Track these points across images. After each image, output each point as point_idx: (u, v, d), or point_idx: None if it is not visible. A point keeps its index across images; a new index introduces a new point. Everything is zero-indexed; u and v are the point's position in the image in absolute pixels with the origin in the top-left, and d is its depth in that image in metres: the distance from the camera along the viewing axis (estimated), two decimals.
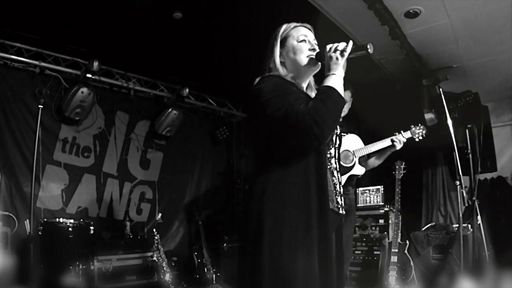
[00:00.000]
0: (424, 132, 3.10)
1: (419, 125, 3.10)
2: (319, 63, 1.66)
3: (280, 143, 1.55)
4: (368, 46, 1.55)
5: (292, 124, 1.46)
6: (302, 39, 1.68)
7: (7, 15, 3.82)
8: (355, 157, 3.07)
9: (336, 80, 1.54)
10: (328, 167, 1.69)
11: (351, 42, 1.57)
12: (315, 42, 1.72)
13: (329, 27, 3.58)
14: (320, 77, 1.67)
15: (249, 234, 1.52)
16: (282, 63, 1.68)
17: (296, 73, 1.68)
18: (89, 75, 4.47)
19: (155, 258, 4.48)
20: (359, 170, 3.12)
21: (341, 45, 1.57)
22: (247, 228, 1.54)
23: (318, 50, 1.66)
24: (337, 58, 1.56)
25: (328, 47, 1.59)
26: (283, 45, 1.69)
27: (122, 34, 4.26)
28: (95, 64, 4.36)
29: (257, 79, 1.64)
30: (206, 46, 4.48)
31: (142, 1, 3.66)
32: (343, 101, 1.53)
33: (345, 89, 1.61)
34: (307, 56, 1.66)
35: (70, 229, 3.98)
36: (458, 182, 3.47)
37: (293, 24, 1.72)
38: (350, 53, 1.56)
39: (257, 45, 1.93)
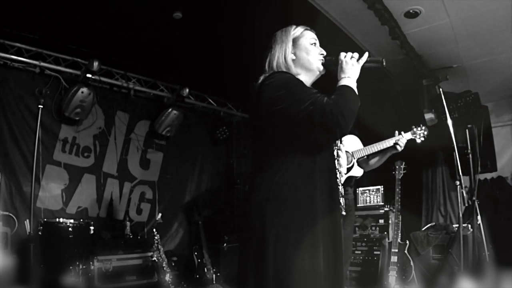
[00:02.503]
0: (425, 132, 3.06)
1: (421, 125, 3.07)
2: (325, 69, 1.71)
3: (289, 140, 1.54)
4: (383, 61, 1.65)
5: (318, 115, 1.45)
6: (313, 42, 1.72)
7: (7, 15, 3.82)
8: (354, 158, 3.05)
9: (351, 82, 1.58)
10: None
11: (367, 53, 1.65)
12: None
13: (329, 27, 3.58)
14: (321, 83, 1.70)
15: (253, 235, 1.50)
16: (292, 61, 1.69)
17: (304, 73, 1.70)
18: (89, 75, 4.47)
19: (155, 258, 4.47)
20: (357, 172, 3.10)
21: (357, 54, 1.64)
22: (250, 228, 1.53)
23: (326, 55, 1.71)
24: (352, 65, 1.60)
25: (343, 53, 1.64)
26: (295, 44, 1.71)
27: (122, 34, 4.26)
28: (95, 64, 4.36)
29: (266, 75, 1.63)
30: (206, 46, 4.48)
31: (142, 1, 3.66)
32: (359, 100, 1.56)
33: None
34: (319, 59, 1.70)
35: (70, 229, 3.98)
36: (458, 182, 3.47)
37: (303, 27, 1.76)
38: (365, 63, 1.64)
39: (257, 45, 1.93)
